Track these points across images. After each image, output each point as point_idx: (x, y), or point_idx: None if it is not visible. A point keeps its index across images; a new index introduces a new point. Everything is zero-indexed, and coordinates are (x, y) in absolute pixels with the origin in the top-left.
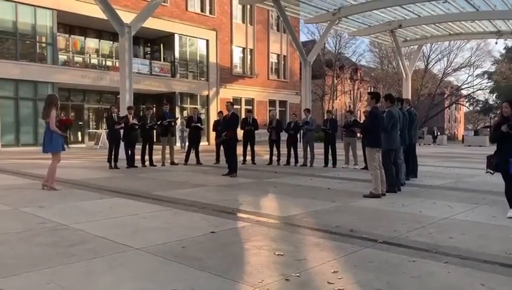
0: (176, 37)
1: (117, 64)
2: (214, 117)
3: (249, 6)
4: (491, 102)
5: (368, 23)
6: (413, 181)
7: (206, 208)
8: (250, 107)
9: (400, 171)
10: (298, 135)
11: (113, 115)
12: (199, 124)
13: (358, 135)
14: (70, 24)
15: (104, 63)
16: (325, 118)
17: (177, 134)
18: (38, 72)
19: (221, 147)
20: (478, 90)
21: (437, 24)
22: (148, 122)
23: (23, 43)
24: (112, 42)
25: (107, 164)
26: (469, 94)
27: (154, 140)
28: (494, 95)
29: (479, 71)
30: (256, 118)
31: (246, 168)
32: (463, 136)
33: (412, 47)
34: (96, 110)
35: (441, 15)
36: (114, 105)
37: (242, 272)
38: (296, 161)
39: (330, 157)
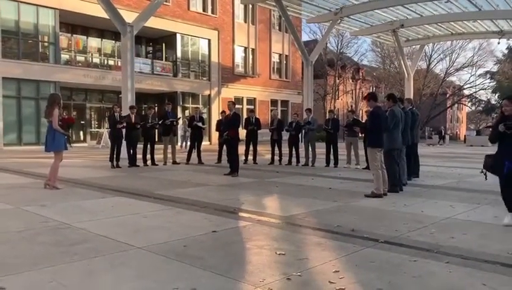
0: (178, 37)
1: (119, 64)
2: (215, 116)
3: (250, 6)
4: (493, 102)
5: (370, 23)
6: (415, 181)
7: (207, 207)
8: (252, 107)
9: (402, 171)
10: (300, 135)
11: (116, 114)
12: (200, 123)
13: (360, 134)
14: (73, 23)
15: (106, 62)
16: (327, 117)
17: (179, 133)
18: (40, 72)
19: (224, 147)
20: (480, 90)
21: (439, 24)
22: (150, 121)
23: (26, 43)
24: (114, 41)
25: (109, 163)
26: (471, 94)
27: (156, 139)
28: (497, 95)
29: (481, 71)
30: (258, 117)
31: (247, 168)
32: (465, 136)
33: (414, 47)
34: (98, 110)
35: (443, 15)
36: (116, 104)
37: (243, 271)
38: (298, 161)
39: (332, 157)
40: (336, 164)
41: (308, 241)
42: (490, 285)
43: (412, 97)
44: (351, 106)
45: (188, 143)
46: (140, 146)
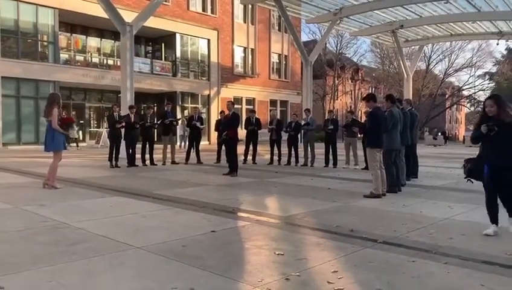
0: (177, 37)
1: (118, 63)
2: (215, 116)
3: (250, 6)
4: None
5: (369, 23)
6: (414, 181)
7: (206, 207)
8: (252, 107)
9: (401, 172)
10: (299, 135)
11: (115, 114)
12: (198, 123)
13: (359, 135)
14: (72, 23)
15: (105, 62)
16: (326, 117)
17: (178, 133)
18: (39, 71)
19: (223, 147)
20: (479, 91)
21: (438, 24)
22: (149, 121)
23: (25, 42)
24: (113, 41)
25: (108, 163)
26: (470, 95)
27: (155, 139)
28: None
29: (480, 72)
30: (258, 117)
31: (246, 168)
32: (464, 136)
33: (413, 47)
34: (98, 109)
35: (443, 15)
36: (116, 104)
37: (242, 271)
38: (297, 161)
39: (331, 157)
40: (334, 164)
41: (307, 242)
42: (488, 285)
43: (411, 98)
44: (350, 107)
45: (187, 143)
46: (139, 146)
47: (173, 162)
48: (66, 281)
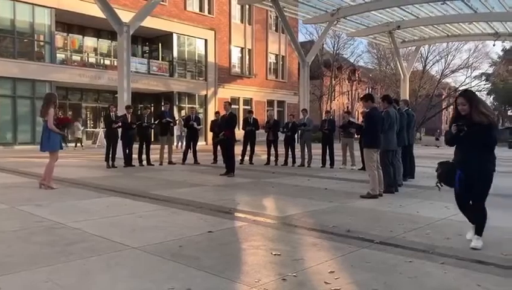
0: (175, 37)
1: (115, 63)
2: (212, 117)
3: (247, 6)
4: (488, 103)
5: (366, 24)
6: (411, 182)
7: (203, 208)
8: (249, 108)
9: (398, 172)
10: (296, 135)
11: (111, 114)
12: (195, 123)
13: (356, 135)
14: (69, 23)
15: (102, 62)
16: (323, 118)
17: (175, 133)
18: (36, 71)
19: (218, 147)
20: (476, 91)
21: (435, 25)
22: (146, 121)
23: (21, 42)
24: (110, 41)
25: (104, 163)
26: None
27: (152, 139)
28: (492, 96)
29: (476, 73)
30: (256, 118)
31: (243, 168)
32: None
33: (410, 48)
34: (94, 109)
35: (439, 16)
36: (112, 104)
37: (239, 272)
38: (294, 161)
39: (328, 157)
40: (331, 164)
41: (303, 242)
42: (485, 286)
43: (407, 98)
44: (347, 107)
45: (184, 143)
46: (136, 146)
47: (170, 163)
48: (63, 281)
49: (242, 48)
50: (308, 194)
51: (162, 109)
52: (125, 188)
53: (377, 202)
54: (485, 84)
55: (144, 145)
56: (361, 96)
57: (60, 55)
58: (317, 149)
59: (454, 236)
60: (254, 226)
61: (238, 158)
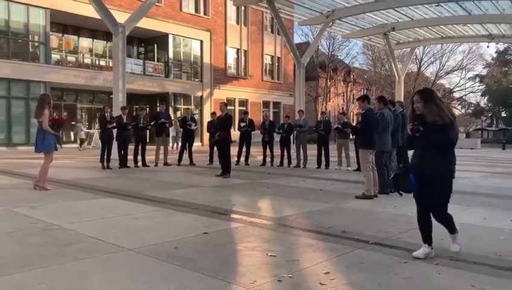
0: (170, 38)
1: (110, 64)
2: (207, 118)
3: (243, 8)
4: (482, 105)
5: (361, 26)
6: None
7: (199, 209)
8: (245, 109)
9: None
10: (291, 136)
11: (106, 114)
12: (193, 124)
13: (351, 136)
14: (64, 23)
15: (97, 62)
16: (319, 119)
17: (171, 134)
18: (30, 71)
19: (215, 148)
20: (470, 93)
21: (430, 27)
22: (142, 122)
23: (16, 42)
24: (105, 42)
25: (99, 164)
26: (461, 97)
27: (147, 140)
28: (486, 98)
29: (470, 74)
30: (252, 118)
31: (239, 169)
32: None
33: (404, 50)
34: (89, 110)
35: (434, 18)
36: (107, 105)
37: (234, 273)
38: (289, 162)
39: (323, 158)
40: (327, 165)
41: (299, 243)
42: (479, 286)
43: (402, 100)
44: (342, 108)
45: (180, 144)
46: (131, 147)
47: (165, 164)
48: (57, 283)
49: (238, 49)
50: (303, 195)
51: (158, 110)
52: (120, 189)
53: (372, 202)
54: (479, 86)
55: (140, 146)
56: (358, 96)
57: (55, 56)
58: (312, 150)
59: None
60: (250, 227)
61: (233, 159)
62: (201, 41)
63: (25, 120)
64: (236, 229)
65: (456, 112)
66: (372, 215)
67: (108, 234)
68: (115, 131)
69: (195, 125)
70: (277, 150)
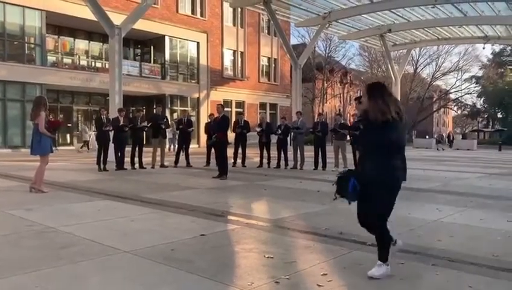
0: (167, 39)
1: (107, 66)
2: (204, 119)
3: (239, 9)
4: (478, 106)
5: (358, 27)
6: (402, 184)
7: (196, 211)
8: (241, 110)
9: None
10: (288, 138)
11: (102, 117)
12: (188, 126)
13: (348, 137)
14: (60, 25)
15: (93, 64)
16: (316, 120)
17: (167, 136)
18: (26, 73)
19: (212, 149)
20: (466, 94)
21: (426, 29)
22: (139, 123)
23: (11, 44)
24: (101, 44)
25: (96, 166)
26: (457, 98)
27: (144, 142)
28: (482, 99)
29: (466, 75)
30: (247, 120)
31: (236, 171)
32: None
33: (401, 51)
34: (86, 112)
35: (430, 20)
36: (103, 107)
37: (231, 275)
38: (286, 164)
39: (320, 160)
40: (324, 167)
41: (296, 244)
42: (476, 287)
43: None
44: (339, 110)
45: (176, 146)
46: (128, 149)
47: (162, 166)
48: (53, 286)
49: (234, 51)
50: (300, 196)
51: (155, 112)
52: (117, 191)
53: None
54: (475, 87)
55: (137, 148)
56: (356, 96)
57: (51, 58)
58: (309, 152)
59: (446, 238)
60: (247, 229)
61: (230, 161)
62: (198, 42)
63: (20, 122)
64: (234, 231)
65: (453, 113)
66: None
67: (104, 236)
68: (111, 133)
69: (189, 127)
70: (274, 152)
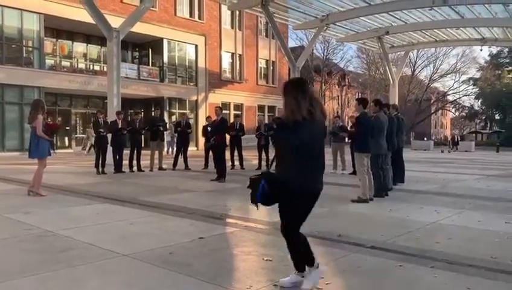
0: (165, 42)
1: (105, 69)
2: (202, 122)
3: (237, 12)
4: (476, 108)
5: (356, 30)
6: (400, 186)
7: (194, 214)
8: (239, 112)
9: (387, 177)
10: None
11: (99, 120)
12: (186, 128)
13: (346, 140)
14: (58, 28)
15: (91, 67)
16: None
17: (166, 139)
18: (24, 77)
19: (210, 152)
20: (464, 96)
21: (423, 31)
22: (138, 126)
23: (9, 47)
24: (99, 47)
25: (94, 170)
26: (455, 100)
27: (142, 145)
28: (479, 101)
29: (464, 77)
30: (243, 123)
31: (234, 173)
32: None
33: (399, 53)
34: (84, 115)
35: (427, 22)
36: (100, 110)
37: (230, 278)
38: None
39: None
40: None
41: None
42: (474, 289)
43: (396, 103)
44: (337, 112)
45: (174, 148)
46: (126, 152)
47: (160, 168)
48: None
49: (232, 54)
50: None
51: (153, 114)
52: (115, 194)
53: (367, 206)
54: (472, 89)
55: (135, 151)
56: (357, 98)
57: (49, 61)
58: None
59: (444, 240)
60: (245, 232)
61: (229, 163)
62: (196, 45)
63: (18, 126)
64: (232, 233)
65: (450, 115)
66: (368, 219)
67: (103, 240)
68: (109, 136)
69: (188, 128)
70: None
